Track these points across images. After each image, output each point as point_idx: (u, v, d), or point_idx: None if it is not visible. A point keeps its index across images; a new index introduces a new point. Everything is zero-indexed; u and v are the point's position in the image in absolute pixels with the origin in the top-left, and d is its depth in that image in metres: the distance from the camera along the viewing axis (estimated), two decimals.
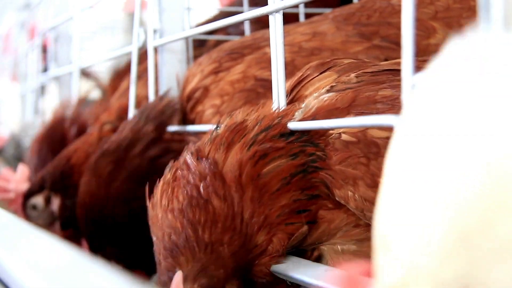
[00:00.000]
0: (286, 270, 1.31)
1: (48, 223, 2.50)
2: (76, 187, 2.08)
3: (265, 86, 1.45)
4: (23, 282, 0.93)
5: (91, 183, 1.93)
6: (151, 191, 1.39)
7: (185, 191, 1.31)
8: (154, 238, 1.35)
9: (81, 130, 2.77)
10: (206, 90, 1.88)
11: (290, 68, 1.69)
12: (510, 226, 0.56)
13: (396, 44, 1.71)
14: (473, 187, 0.58)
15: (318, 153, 1.29)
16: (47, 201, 2.48)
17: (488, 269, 0.57)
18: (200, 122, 1.88)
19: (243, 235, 1.28)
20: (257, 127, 1.34)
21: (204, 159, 1.33)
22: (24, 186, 2.56)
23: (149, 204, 1.38)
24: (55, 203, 2.47)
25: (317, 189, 1.29)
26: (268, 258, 1.31)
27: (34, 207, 2.48)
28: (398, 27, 1.72)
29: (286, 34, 1.84)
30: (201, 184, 1.30)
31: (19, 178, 2.59)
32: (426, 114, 0.63)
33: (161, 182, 1.38)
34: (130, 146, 1.90)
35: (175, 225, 1.30)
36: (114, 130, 2.27)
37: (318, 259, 1.35)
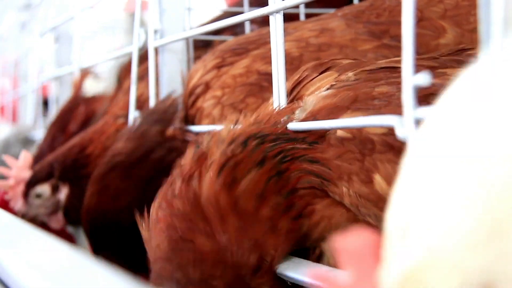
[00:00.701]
0: (287, 271, 1.31)
1: (50, 212, 2.49)
2: (89, 178, 2.07)
3: (270, 80, 1.45)
4: (24, 283, 0.93)
5: (100, 195, 1.93)
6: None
7: (168, 235, 1.30)
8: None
9: (88, 117, 2.78)
10: (207, 85, 1.88)
11: (296, 63, 1.69)
12: None
13: None
14: (504, 174, 0.55)
15: (289, 146, 1.29)
16: (54, 189, 2.47)
17: None
18: (200, 117, 1.88)
19: (236, 266, 1.27)
20: (222, 151, 1.32)
21: (184, 194, 1.31)
22: (26, 173, 2.54)
23: (141, 229, 1.38)
24: (63, 192, 2.46)
25: (295, 182, 1.29)
26: (266, 278, 1.30)
27: (39, 195, 2.47)
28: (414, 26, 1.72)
29: (293, 29, 1.85)
30: (183, 225, 1.29)
31: (21, 165, 2.57)
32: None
33: (151, 213, 1.37)
34: (137, 157, 1.90)
35: (164, 273, 1.29)
36: (126, 123, 2.28)
37: (320, 257, 1.35)
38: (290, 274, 1.29)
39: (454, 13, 1.76)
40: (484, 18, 0.89)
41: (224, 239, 1.27)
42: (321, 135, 1.29)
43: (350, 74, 1.36)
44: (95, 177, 1.96)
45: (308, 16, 2.33)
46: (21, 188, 2.51)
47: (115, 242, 1.94)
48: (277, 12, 1.41)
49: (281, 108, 1.38)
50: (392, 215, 0.64)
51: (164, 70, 2.20)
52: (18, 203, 2.51)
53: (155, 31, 2.16)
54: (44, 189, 2.46)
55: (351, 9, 1.89)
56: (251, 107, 1.72)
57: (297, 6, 2.31)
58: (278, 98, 1.42)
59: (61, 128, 2.86)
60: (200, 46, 2.45)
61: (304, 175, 1.29)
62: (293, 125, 1.33)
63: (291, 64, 1.68)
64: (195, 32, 1.91)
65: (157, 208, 1.35)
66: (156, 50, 2.16)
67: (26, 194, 2.49)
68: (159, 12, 2.19)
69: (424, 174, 0.62)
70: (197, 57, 2.28)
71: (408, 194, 0.63)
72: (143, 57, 2.24)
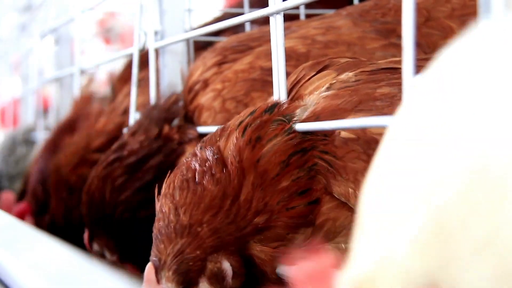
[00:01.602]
0: (288, 270, 1.30)
1: None
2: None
3: None
4: (24, 284, 0.93)
5: (104, 188, 1.94)
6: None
7: (181, 175, 1.34)
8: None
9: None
10: (205, 82, 1.88)
11: (303, 60, 1.68)
12: (488, 228, 0.55)
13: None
14: (455, 185, 0.57)
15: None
16: None
17: (461, 269, 0.56)
18: (200, 112, 1.88)
19: (232, 213, 1.29)
20: (249, 115, 1.36)
21: (209, 147, 1.36)
22: None
23: (156, 199, 1.39)
24: None
25: (315, 163, 1.30)
26: (269, 249, 1.31)
27: None
28: (416, 26, 1.71)
29: (297, 27, 1.84)
30: (199, 169, 1.33)
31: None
32: (421, 112, 0.64)
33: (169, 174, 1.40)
34: (144, 157, 1.92)
35: (163, 209, 1.32)
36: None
37: None
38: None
39: (461, 12, 1.75)
40: (484, 17, 0.89)
41: (233, 188, 1.29)
42: (328, 133, 1.29)
43: (350, 74, 1.35)
44: (101, 164, 1.97)
45: (308, 17, 2.32)
46: None
47: (110, 230, 1.96)
48: (277, 13, 1.41)
49: (282, 108, 1.38)
50: (358, 219, 0.66)
51: (164, 71, 2.20)
52: None
53: (156, 33, 2.16)
54: None
55: (355, 8, 1.88)
56: (257, 101, 1.72)
57: (297, 7, 2.31)
58: (279, 98, 1.41)
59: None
60: (201, 46, 2.44)
61: (319, 160, 1.30)
62: (297, 126, 1.33)
63: (298, 60, 1.67)
64: (195, 33, 1.90)
65: (189, 157, 1.39)
66: (157, 51, 2.16)
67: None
68: (159, 13, 2.18)
69: (385, 179, 0.64)
70: (196, 58, 2.28)
71: (370, 196, 0.66)
72: (143, 59, 2.24)
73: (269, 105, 1.36)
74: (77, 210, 2.40)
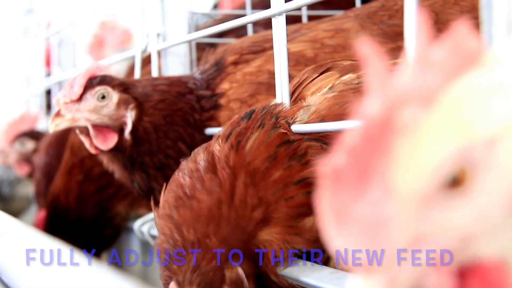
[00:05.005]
0: (291, 273, 1.30)
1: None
2: None
3: None
4: (25, 283, 0.93)
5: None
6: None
7: (174, 193, 1.35)
8: None
9: None
10: (227, 74, 1.89)
11: (311, 64, 1.68)
12: None
13: None
14: None
15: (283, 115, 1.35)
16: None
17: None
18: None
19: (233, 218, 1.29)
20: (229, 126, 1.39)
21: (195, 158, 1.37)
22: None
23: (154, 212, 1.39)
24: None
25: (306, 152, 1.31)
26: (279, 228, 1.31)
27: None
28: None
29: (307, 30, 1.84)
30: (189, 182, 1.33)
31: None
32: None
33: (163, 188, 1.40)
34: None
35: (165, 231, 1.32)
36: None
37: (328, 259, 1.34)
38: (294, 277, 1.29)
39: (471, 15, 1.73)
40: (487, 18, 0.89)
41: (225, 192, 1.29)
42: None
43: (352, 76, 1.35)
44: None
45: (310, 18, 2.32)
46: None
47: None
48: (279, 15, 1.41)
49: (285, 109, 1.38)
50: None
51: (167, 73, 2.20)
52: None
53: (158, 34, 2.16)
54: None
55: (362, 10, 1.87)
56: (262, 104, 1.72)
57: (299, 8, 2.31)
58: (281, 99, 1.41)
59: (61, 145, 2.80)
60: (204, 47, 2.44)
61: (311, 142, 1.31)
62: (296, 128, 1.33)
63: (306, 65, 1.67)
64: (197, 35, 1.90)
65: (176, 172, 1.40)
66: (159, 53, 2.16)
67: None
68: (161, 15, 2.19)
69: None
70: (200, 59, 2.28)
71: None
72: (145, 60, 2.24)
73: (244, 115, 1.39)
74: (91, 197, 2.41)
